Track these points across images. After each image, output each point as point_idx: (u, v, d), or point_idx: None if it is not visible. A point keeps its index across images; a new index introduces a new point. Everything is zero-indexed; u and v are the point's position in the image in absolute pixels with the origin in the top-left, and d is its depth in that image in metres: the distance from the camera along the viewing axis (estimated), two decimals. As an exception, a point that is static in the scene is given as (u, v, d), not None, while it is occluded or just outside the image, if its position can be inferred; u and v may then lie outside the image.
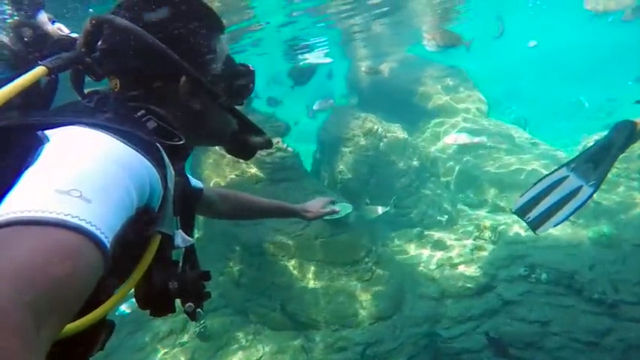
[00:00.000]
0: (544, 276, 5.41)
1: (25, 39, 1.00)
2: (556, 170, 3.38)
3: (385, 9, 7.95)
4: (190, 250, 1.16)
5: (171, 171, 0.95)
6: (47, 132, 0.77)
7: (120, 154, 0.76)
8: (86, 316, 0.78)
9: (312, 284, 5.49)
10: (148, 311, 1.01)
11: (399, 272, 5.81)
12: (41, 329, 0.51)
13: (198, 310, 1.09)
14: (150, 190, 0.82)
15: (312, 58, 11.15)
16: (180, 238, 1.04)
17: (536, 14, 12.76)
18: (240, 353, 5.23)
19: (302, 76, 8.29)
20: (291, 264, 5.61)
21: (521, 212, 3.40)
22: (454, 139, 7.18)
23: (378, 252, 5.84)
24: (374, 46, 11.24)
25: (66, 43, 1.03)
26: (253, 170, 6.44)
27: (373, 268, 5.63)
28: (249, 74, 1.17)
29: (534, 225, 3.31)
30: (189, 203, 1.22)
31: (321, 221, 5.84)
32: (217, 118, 1.13)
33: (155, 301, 0.99)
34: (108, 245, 0.64)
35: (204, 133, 1.13)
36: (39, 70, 0.91)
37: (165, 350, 5.39)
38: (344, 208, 5.87)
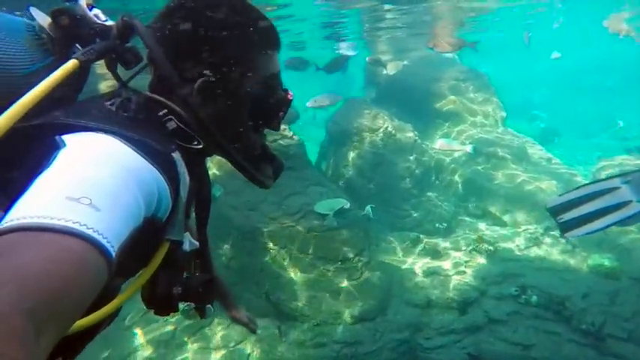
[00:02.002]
0: (534, 298, 5.31)
1: (63, 25, 0.99)
2: (608, 179, 3.27)
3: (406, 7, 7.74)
4: (201, 252, 1.17)
5: (185, 178, 0.95)
6: (64, 137, 0.78)
7: (131, 164, 0.76)
8: (89, 317, 0.81)
9: (299, 276, 5.49)
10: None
11: (389, 275, 5.76)
12: (41, 336, 0.52)
13: (208, 306, 1.13)
14: (157, 201, 0.82)
15: (344, 48, 11.00)
16: (188, 242, 1.07)
17: (562, 28, 12.36)
18: (221, 334, 5.29)
19: (335, 65, 8.12)
20: (282, 254, 5.61)
21: (555, 211, 3.33)
22: (439, 144, 7.11)
23: (370, 252, 5.79)
24: (395, 42, 11.00)
25: (102, 31, 1.01)
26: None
27: (363, 268, 5.60)
28: (282, 102, 1.09)
29: (565, 227, 3.24)
30: (205, 205, 1.20)
31: (317, 215, 5.81)
32: (237, 132, 1.06)
33: (159, 303, 1.04)
34: (114, 255, 0.64)
35: (224, 144, 1.07)
36: (71, 65, 0.90)
37: (150, 325, 5.47)
38: (339, 203, 5.83)
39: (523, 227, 6.85)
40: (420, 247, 6.45)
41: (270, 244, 5.65)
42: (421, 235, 6.71)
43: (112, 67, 1.02)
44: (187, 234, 1.08)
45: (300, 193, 6.13)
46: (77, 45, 1.01)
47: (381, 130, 7.41)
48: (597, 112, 16.50)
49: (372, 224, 6.51)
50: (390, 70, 8.41)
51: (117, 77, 1.05)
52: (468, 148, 6.87)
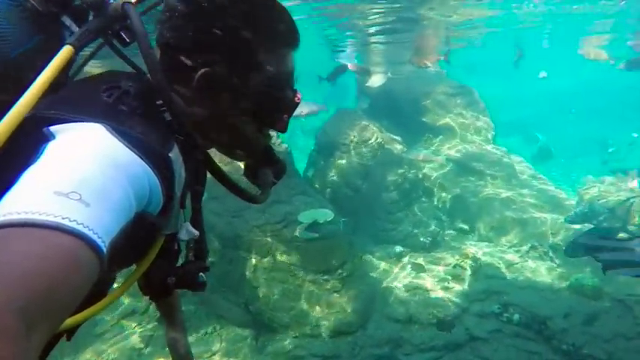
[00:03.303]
0: (516, 317, 5.27)
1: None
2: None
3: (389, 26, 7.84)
4: (197, 240, 1.16)
5: (181, 175, 0.93)
6: (53, 128, 0.74)
7: (121, 158, 0.74)
8: (86, 310, 0.83)
9: (280, 287, 5.39)
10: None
11: (371, 288, 5.69)
12: (32, 334, 0.51)
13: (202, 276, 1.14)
14: (149, 196, 0.80)
15: (344, 57, 11.04)
16: (185, 231, 1.06)
17: (551, 49, 12.61)
18: (194, 345, 5.15)
19: (337, 74, 8.14)
20: (263, 263, 5.51)
21: (588, 249, 3.48)
22: (422, 157, 7.15)
23: (353, 265, 5.72)
24: (387, 53, 11.08)
25: (96, 4, 0.93)
26: (240, 164, 6.33)
27: (345, 280, 5.52)
28: (289, 103, 1.02)
29: (606, 266, 3.38)
30: (198, 197, 1.16)
31: (301, 225, 5.73)
32: (236, 130, 1.01)
33: (154, 291, 1.12)
34: (105, 250, 0.63)
35: (221, 138, 1.03)
36: (66, 52, 0.84)
37: (124, 332, 5.32)
38: (324, 215, 5.76)
39: (508, 245, 6.84)
40: (403, 261, 6.39)
41: (252, 253, 5.56)
42: (405, 249, 6.66)
43: (112, 46, 0.98)
44: (187, 223, 1.07)
45: (284, 201, 6.06)
46: (65, 18, 0.95)
47: (370, 141, 7.39)
48: (586, 134, 16.70)
49: (357, 236, 6.45)
50: (374, 82, 8.43)
51: (118, 53, 1.01)
52: (440, 160, 6.93)
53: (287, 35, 0.99)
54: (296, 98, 1.03)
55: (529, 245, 6.68)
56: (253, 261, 5.52)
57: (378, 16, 7.22)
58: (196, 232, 1.09)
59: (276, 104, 1.01)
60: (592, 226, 6.16)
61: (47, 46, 0.88)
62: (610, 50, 8.89)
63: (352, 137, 7.37)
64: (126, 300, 5.58)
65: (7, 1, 0.89)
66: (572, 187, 9.44)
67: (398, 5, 6.65)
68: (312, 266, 5.49)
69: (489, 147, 8.44)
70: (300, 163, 7.87)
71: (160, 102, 0.90)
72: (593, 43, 11.16)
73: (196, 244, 1.16)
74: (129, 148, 0.76)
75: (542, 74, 11.96)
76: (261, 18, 0.94)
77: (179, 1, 0.92)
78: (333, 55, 11.13)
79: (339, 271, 5.53)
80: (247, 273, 5.51)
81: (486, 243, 6.91)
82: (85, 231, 0.60)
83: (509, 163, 8.19)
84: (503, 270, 6.13)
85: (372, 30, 8.47)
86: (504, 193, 7.45)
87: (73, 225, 0.59)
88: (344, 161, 7.26)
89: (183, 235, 1.06)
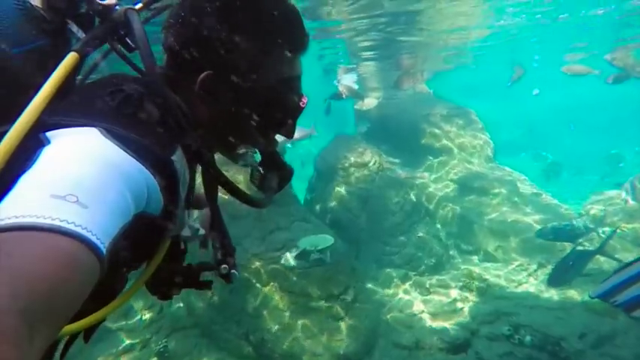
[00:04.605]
0: (528, 338, 5.05)
1: (58, 6, 0.94)
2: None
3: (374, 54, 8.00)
4: (222, 239, 1.17)
5: (185, 177, 0.94)
6: (49, 134, 0.75)
7: (117, 160, 0.74)
8: (99, 311, 0.84)
9: (281, 316, 5.26)
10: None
11: (375, 314, 5.53)
12: (34, 337, 0.51)
13: (233, 271, 1.15)
14: (147, 197, 0.80)
15: (346, 80, 11.20)
16: (187, 228, 1.07)
17: (541, 67, 12.84)
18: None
19: (340, 95, 8.31)
20: (264, 292, 5.40)
21: (605, 298, 3.31)
22: (404, 175, 7.13)
23: (356, 290, 5.58)
24: (383, 79, 11.28)
25: (101, 11, 0.96)
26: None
27: (348, 306, 5.38)
28: (294, 108, 1.01)
29: (627, 308, 3.21)
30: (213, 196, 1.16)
31: (301, 251, 5.64)
32: (242, 133, 1.01)
33: (161, 291, 1.10)
34: (104, 251, 0.63)
35: (226, 142, 1.02)
36: (71, 59, 0.85)
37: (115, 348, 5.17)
38: (324, 240, 5.68)
39: (515, 263, 6.66)
40: (408, 284, 6.24)
41: (253, 282, 5.46)
42: (410, 272, 6.52)
43: (117, 51, 0.99)
44: (192, 223, 1.09)
45: (284, 228, 6.01)
46: (72, 24, 0.96)
47: (369, 165, 7.40)
48: (589, 148, 16.63)
49: (360, 261, 6.34)
50: (365, 105, 8.53)
51: (124, 58, 1.01)
52: (425, 176, 6.86)
53: (294, 39, 0.98)
54: (301, 103, 1.02)
55: (536, 263, 6.51)
56: (254, 290, 5.42)
57: (366, 36, 7.40)
58: (198, 227, 1.10)
59: (281, 108, 1.00)
60: (564, 243, 6.11)
61: (54, 51, 0.89)
62: (590, 64, 9.06)
63: (351, 162, 7.39)
64: (127, 340, 5.47)
65: (12, 4, 0.91)
66: (579, 203, 9.30)
67: (386, 26, 6.82)
68: (314, 293, 5.36)
69: (490, 166, 8.40)
70: (300, 193, 7.84)
71: (162, 105, 0.90)
72: (574, 59, 11.47)
73: (222, 244, 1.16)
74: (124, 149, 0.76)
75: (535, 92, 12.15)
76: (267, 22, 0.94)
77: (184, 7, 0.94)
78: (326, 76, 11.27)
79: (342, 297, 5.40)
80: (248, 303, 5.39)
81: (492, 263, 6.75)
82: (84, 233, 0.60)
83: (511, 181, 8.11)
84: (512, 290, 5.94)
85: (362, 53, 8.67)
86: (508, 212, 7.34)
87: (71, 227, 0.60)
88: (343, 186, 7.25)
89: (185, 232, 1.07)
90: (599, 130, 18.38)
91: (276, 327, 5.19)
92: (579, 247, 5.81)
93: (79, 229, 0.60)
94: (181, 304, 5.86)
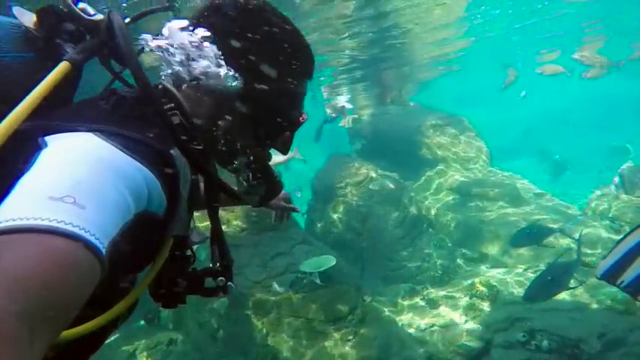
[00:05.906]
0: (545, 343, 4.88)
1: (49, 23, 0.96)
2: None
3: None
4: (217, 240, 1.14)
5: (186, 174, 0.94)
6: (47, 138, 0.76)
7: (114, 160, 0.75)
8: (107, 312, 0.84)
9: (289, 342, 5.12)
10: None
11: (386, 332, 5.37)
12: (35, 338, 0.51)
13: (230, 284, 1.10)
14: (148, 195, 0.80)
15: (342, 102, 11.37)
16: (196, 234, 1.07)
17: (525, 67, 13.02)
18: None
19: (319, 131, 8.43)
20: (269, 319, 5.28)
21: (609, 277, 3.03)
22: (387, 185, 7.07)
23: (364, 308, 5.45)
24: (370, 96, 11.40)
25: (90, 27, 0.98)
26: (237, 222, 6.31)
27: (357, 326, 5.24)
28: (293, 121, 1.06)
29: (635, 291, 2.91)
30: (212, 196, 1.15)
31: (304, 275, 5.55)
32: (238, 139, 1.02)
33: (164, 297, 1.04)
34: (103, 251, 0.63)
35: (221, 147, 1.03)
36: (63, 67, 0.87)
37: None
38: (327, 261, 5.59)
39: (523, 267, 6.51)
40: (416, 298, 6.09)
41: (257, 310, 5.35)
42: (417, 286, 6.37)
43: (106, 64, 1.00)
44: (197, 227, 1.09)
45: (285, 253, 5.94)
46: (62, 41, 0.97)
47: (366, 182, 7.37)
48: (590, 144, 16.56)
49: (365, 279, 6.23)
50: (345, 124, 8.62)
51: (112, 72, 1.04)
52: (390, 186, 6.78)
53: (306, 67, 1.06)
54: (301, 118, 1.06)
55: (545, 264, 6.36)
56: (259, 318, 5.30)
57: (349, 52, 7.50)
58: (207, 235, 1.10)
59: (284, 118, 1.04)
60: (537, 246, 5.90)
61: (42, 64, 0.90)
62: (561, 63, 9.17)
63: (347, 180, 7.37)
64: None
65: (8, 27, 0.94)
66: (583, 201, 9.18)
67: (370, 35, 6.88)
68: (320, 317, 5.24)
69: (488, 171, 8.35)
70: (300, 217, 7.80)
71: (168, 106, 0.93)
72: (547, 59, 11.64)
73: (220, 253, 1.14)
74: (120, 149, 0.76)
75: (523, 94, 12.27)
76: (290, 53, 1.00)
77: (211, 13, 0.98)
78: (316, 99, 11.38)
79: (350, 317, 5.27)
80: (254, 332, 5.27)
81: (500, 268, 6.60)
82: (82, 233, 0.61)
83: (511, 184, 8.04)
84: (522, 294, 5.78)
85: (345, 75, 8.80)
86: (511, 215, 7.24)
87: (69, 228, 0.60)
88: (342, 205, 7.21)
89: (194, 238, 1.07)
90: (597, 126, 18.36)
91: (284, 355, 5.04)
92: (561, 259, 5.47)
93: (76, 230, 0.60)
94: (186, 341, 5.74)
